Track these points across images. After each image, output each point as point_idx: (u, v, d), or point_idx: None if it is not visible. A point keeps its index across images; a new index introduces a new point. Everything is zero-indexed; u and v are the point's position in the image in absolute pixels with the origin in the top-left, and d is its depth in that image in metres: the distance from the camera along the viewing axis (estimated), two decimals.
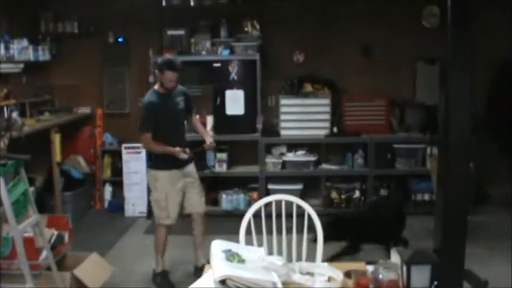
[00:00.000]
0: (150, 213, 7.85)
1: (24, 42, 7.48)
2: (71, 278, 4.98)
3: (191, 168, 6.06)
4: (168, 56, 7.20)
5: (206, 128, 7.41)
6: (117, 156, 8.55)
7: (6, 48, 6.98)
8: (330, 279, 3.06)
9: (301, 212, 3.91)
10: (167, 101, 5.74)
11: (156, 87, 5.80)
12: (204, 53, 8.13)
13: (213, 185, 8.28)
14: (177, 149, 5.67)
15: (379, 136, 8.06)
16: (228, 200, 8.08)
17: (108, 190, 8.62)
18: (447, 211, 3.01)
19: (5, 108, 6.97)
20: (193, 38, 8.22)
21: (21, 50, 7.38)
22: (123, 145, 8.36)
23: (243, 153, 8.43)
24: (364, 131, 8.11)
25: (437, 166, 3.29)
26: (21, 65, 7.48)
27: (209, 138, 6.23)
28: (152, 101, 5.68)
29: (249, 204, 7.86)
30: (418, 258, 2.90)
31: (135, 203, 8.25)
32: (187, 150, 5.79)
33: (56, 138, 7.50)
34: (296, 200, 3.96)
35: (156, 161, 5.88)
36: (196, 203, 6.07)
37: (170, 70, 5.59)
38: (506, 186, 7.97)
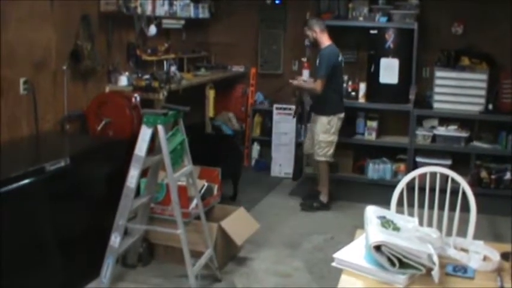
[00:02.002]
0: (295, 174, 7.94)
1: (186, 0, 7.67)
2: (218, 230, 5.12)
3: None
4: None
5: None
6: (267, 116, 8.67)
7: (170, 5, 7.18)
8: (485, 259, 2.95)
9: (453, 188, 3.77)
10: None
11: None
12: (361, 19, 8.02)
13: (360, 153, 8.23)
14: None
15: None
16: (374, 169, 8.01)
17: (256, 149, 8.77)
18: None
19: (165, 62, 7.23)
20: (351, 3, 8.12)
21: (183, 7, 7.57)
22: (275, 105, 8.45)
23: (394, 123, 8.29)
24: None
25: None
26: (182, 22, 7.69)
27: None
28: None
29: (395, 175, 7.75)
30: None
31: (282, 163, 8.34)
32: None
33: (211, 94, 7.71)
34: (452, 174, 3.83)
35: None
36: None
37: None
38: None
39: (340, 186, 7.82)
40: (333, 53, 6.78)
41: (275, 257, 5.61)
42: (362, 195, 7.18)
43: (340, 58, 6.85)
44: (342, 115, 6.96)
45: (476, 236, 3.41)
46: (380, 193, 6.81)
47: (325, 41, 6.85)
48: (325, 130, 6.86)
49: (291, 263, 5.49)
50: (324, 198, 7.04)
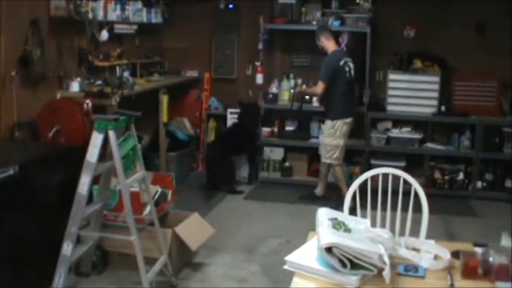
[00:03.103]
0: (251, 179, 7.97)
1: (139, 4, 7.64)
2: (172, 235, 5.08)
3: None
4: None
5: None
6: (221, 120, 8.65)
7: (122, 10, 7.13)
8: (436, 258, 2.98)
9: (406, 189, 3.80)
10: None
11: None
12: (314, 23, 8.06)
13: (315, 156, 8.25)
14: None
15: (488, 118, 7.75)
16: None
17: None
18: None
19: (118, 68, 7.17)
20: (304, 7, 8.17)
21: (136, 12, 7.53)
22: (229, 110, 8.44)
23: None
24: (473, 112, 7.82)
25: None
26: (135, 27, 7.67)
27: None
28: None
29: (351, 178, 7.79)
30: None
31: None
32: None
33: (164, 99, 7.65)
34: (403, 175, 3.86)
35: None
36: None
37: None
38: None
39: (296, 189, 7.85)
40: (334, 58, 7.00)
41: (231, 262, 5.60)
42: (318, 199, 7.20)
43: (342, 62, 6.96)
44: (348, 119, 7.08)
45: (430, 236, 3.44)
46: (335, 196, 6.90)
47: (330, 47, 7.08)
48: (329, 134, 7.08)
49: (247, 268, 5.48)
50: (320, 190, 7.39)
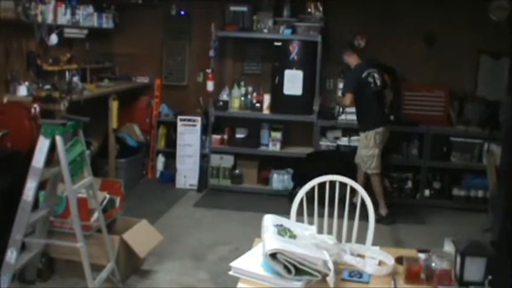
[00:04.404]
0: (200, 186, 7.96)
1: (90, 9, 7.56)
2: (120, 242, 5.04)
3: None
4: None
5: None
6: (172, 127, 8.61)
7: (73, 14, 7.05)
8: (380, 263, 3.02)
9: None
10: None
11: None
12: (265, 31, 8.11)
13: (265, 164, 8.29)
14: None
15: (436, 128, 7.92)
16: (279, 179, 8.07)
17: (160, 160, 8.70)
18: (508, 206, 2.94)
19: (67, 72, 7.08)
20: (256, 15, 8.19)
21: (87, 16, 7.46)
22: (179, 117, 8.40)
23: (298, 134, 8.40)
24: (422, 121, 7.97)
25: (500, 163, 3.20)
26: (86, 31, 7.59)
27: None
28: None
29: None
30: (473, 250, 2.82)
31: (186, 175, 8.29)
32: None
33: (114, 105, 7.58)
34: (350, 182, 3.89)
35: None
36: None
37: None
38: None
39: (245, 197, 7.88)
40: (356, 71, 7.21)
41: (179, 269, 5.57)
42: (267, 206, 7.19)
43: (365, 74, 7.08)
44: (380, 129, 7.12)
45: (378, 243, 3.47)
46: (284, 203, 6.93)
47: (353, 62, 7.30)
48: (364, 145, 7.20)
49: (196, 275, 5.46)
50: (382, 211, 7.23)
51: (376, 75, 7.10)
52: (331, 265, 2.68)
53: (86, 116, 4.70)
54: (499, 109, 7.83)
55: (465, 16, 7.93)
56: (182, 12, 8.74)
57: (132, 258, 5.22)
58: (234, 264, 2.81)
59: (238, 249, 5.97)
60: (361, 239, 3.65)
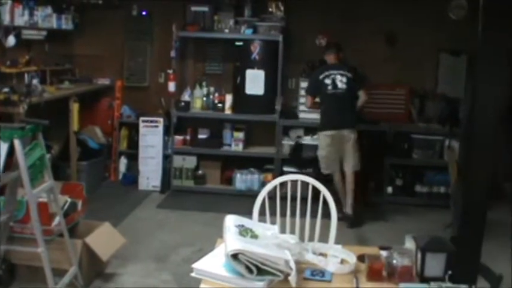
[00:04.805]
0: (163, 187, 7.93)
1: (48, 10, 7.46)
2: (82, 246, 4.99)
3: None
4: None
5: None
6: (134, 129, 8.55)
7: (31, 15, 6.95)
8: (342, 262, 3.04)
9: (316, 195, 3.86)
10: None
11: None
12: (227, 31, 8.10)
13: (228, 164, 8.28)
14: None
15: (397, 125, 7.99)
16: (242, 179, 8.08)
17: (123, 162, 8.63)
18: (467, 202, 2.97)
19: (26, 75, 6.98)
20: (217, 15, 8.17)
21: (45, 17, 7.36)
22: (141, 118, 8.34)
23: (260, 133, 8.41)
24: (384, 119, 8.04)
25: (459, 158, 3.24)
26: (44, 33, 7.49)
27: None
28: None
29: (263, 185, 7.82)
30: (433, 246, 2.85)
31: (149, 176, 8.24)
32: None
33: (75, 107, 7.50)
34: (312, 181, 3.91)
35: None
36: None
37: None
38: None
39: (209, 197, 7.87)
40: (316, 73, 7.27)
41: (143, 271, 5.54)
42: (230, 206, 7.17)
43: (323, 76, 7.06)
44: (329, 132, 7.08)
45: (341, 242, 3.48)
46: (248, 203, 6.86)
47: (329, 62, 7.31)
48: (319, 145, 7.30)
49: (159, 277, 5.44)
50: (347, 209, 7.11)
51: (338, 77, 7.03)
52: (293, 264, 2.69)
53: (46, 119, 4.63)
54: (459, 106, 7.95)
55: (425, 15, 8.02)
56: (143, 13, 8.69)
57: (95, 262, 5.17)
58: (196, 265, 2.80)
59: (201, 250, 5.95)
60: (324, 239, 3.66)
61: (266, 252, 2.64)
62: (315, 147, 7.56)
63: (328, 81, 7.02)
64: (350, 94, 7.08)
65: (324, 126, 7.13)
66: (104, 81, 8.73)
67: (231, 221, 2.97)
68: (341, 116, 7.11)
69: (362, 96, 7.09)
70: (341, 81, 7.03)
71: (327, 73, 7.06)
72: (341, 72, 7.06)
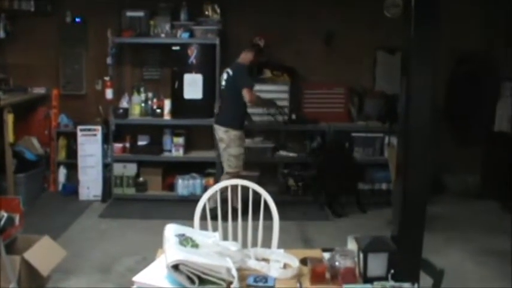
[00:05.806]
0: (104, 196, 7.81)
1: None
2: (21, 262, 4.84)
3: None
4: None
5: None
6: (72, 138, 8.38)
7: None
8: (285, 266, 3.03)
9: (257, 198, 3.84)
10: None
11: None
12: (163, 35, 8.02)
13: (169, 170, 8.20)
14: None
15: (337, 124, 8.04)
16: (184, 185, 8.01)
17: (62, 173, 8.45)
18: (406, 199, 3.00)
19: None
20: (153, 20, 8.09)
21: None
22: (79, 127, 8.17)
23: (201, 138, 8.35)
24: (323, 118, 8.08)
25: (397, 155, 3.26)
26: None
27: None
28: None
29: (206, 189, 7.77)
30: (375, 246, 2.87)
31: (90, 186, 8.09)
32: None
33: (9, 118, 7.30)
34: (252, 186, 3.90)
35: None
36: None
37: None
38: (461, 177, 8.08)
39: (151, 204, 7.80)
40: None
41: (86, 283, 5.43)
42: (173, 213, 7.11)
43: (222, 75, 7.25)
44: (215, 126, 7.20)
45: (286, 243, 3.49)
46: (191, 209, 6.81)
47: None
48: None
49: None
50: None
51: (224, 75, 7.17)
52: (234, 272, 2.66)
53: None
54: (397, 103, 8.01)
55: (362, 14, 8.12)
56: (77, 20, 8.50)
57: (35, 278, 5.03)
58: (136, 278, 2.75)
59: (145, 259, 5.84)
60: (267, 242, 3.66)
61: (207, 262, 2.61)
62: (257, 150, 7.57)
63: (222, 78, 7.24)
64: (230, 92, 7.13)
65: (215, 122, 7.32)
66: (40, 90, 8.51)
67: (170, 231, 2.93)
68: (219, 112, 7.40)
69: (245, 95, 6.98)
70: (224, 79, 7.18)
71: (225, 71, 7.22)
72: (230, 69, 7.14)
